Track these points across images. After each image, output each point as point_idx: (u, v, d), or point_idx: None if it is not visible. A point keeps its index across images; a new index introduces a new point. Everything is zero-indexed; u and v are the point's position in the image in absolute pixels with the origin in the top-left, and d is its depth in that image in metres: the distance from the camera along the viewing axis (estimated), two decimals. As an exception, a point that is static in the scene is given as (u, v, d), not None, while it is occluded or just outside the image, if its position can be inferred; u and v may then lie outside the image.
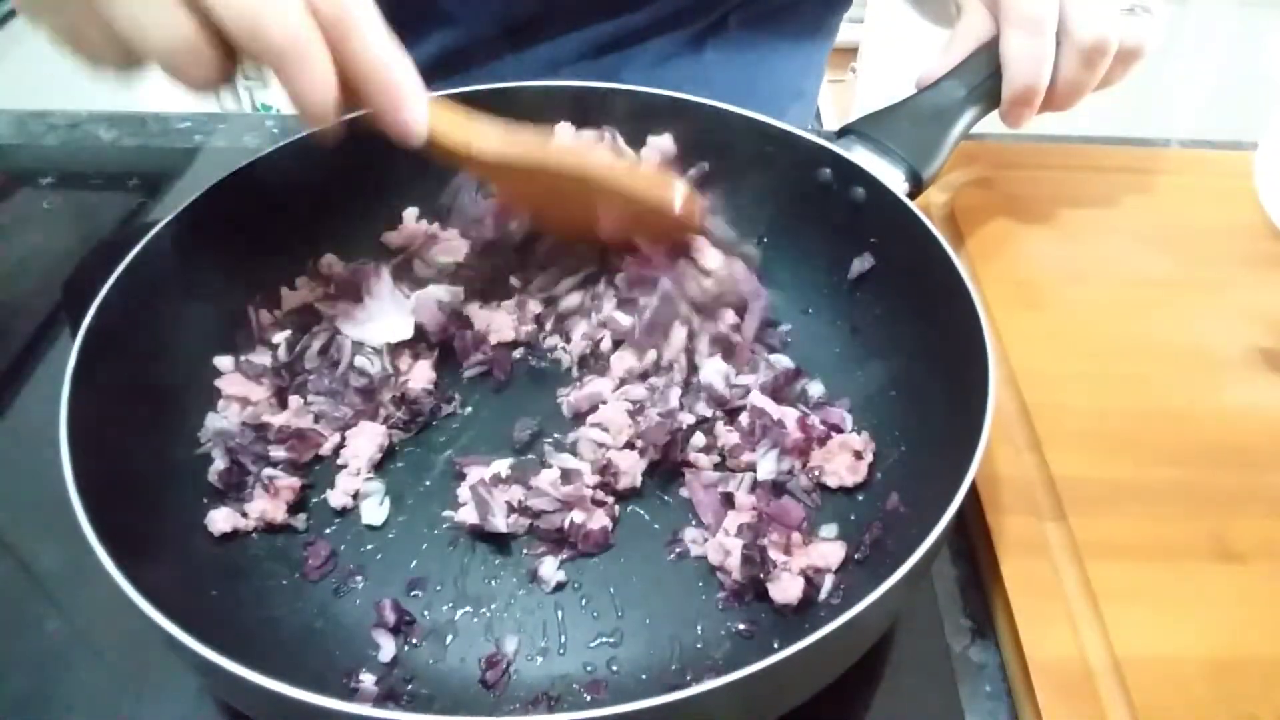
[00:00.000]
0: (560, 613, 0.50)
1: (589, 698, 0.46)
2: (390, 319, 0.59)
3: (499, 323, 0.61)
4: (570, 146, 0.59)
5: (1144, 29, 0.62)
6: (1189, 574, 0.50)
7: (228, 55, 0.41)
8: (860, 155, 0.60)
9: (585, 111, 0.64)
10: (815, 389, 0.59)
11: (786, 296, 0.64)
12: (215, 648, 0.36)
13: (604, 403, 0.57)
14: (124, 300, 0.49)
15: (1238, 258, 0.70)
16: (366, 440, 0.55)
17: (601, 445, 0.55)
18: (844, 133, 0.62)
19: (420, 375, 0.59)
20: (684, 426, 0.55)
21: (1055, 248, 0.70)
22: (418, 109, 0.46)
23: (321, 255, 0.62)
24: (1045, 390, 0.59)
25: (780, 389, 0.58)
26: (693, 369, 0.59)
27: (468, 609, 0.50)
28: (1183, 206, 0.74)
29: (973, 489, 0.42)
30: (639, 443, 0.54)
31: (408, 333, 0.59)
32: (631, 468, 0.54)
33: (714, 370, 0.58)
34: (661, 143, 0.61)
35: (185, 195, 0.55)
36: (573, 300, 0.62)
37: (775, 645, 0.47)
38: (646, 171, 0.60)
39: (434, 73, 0.82)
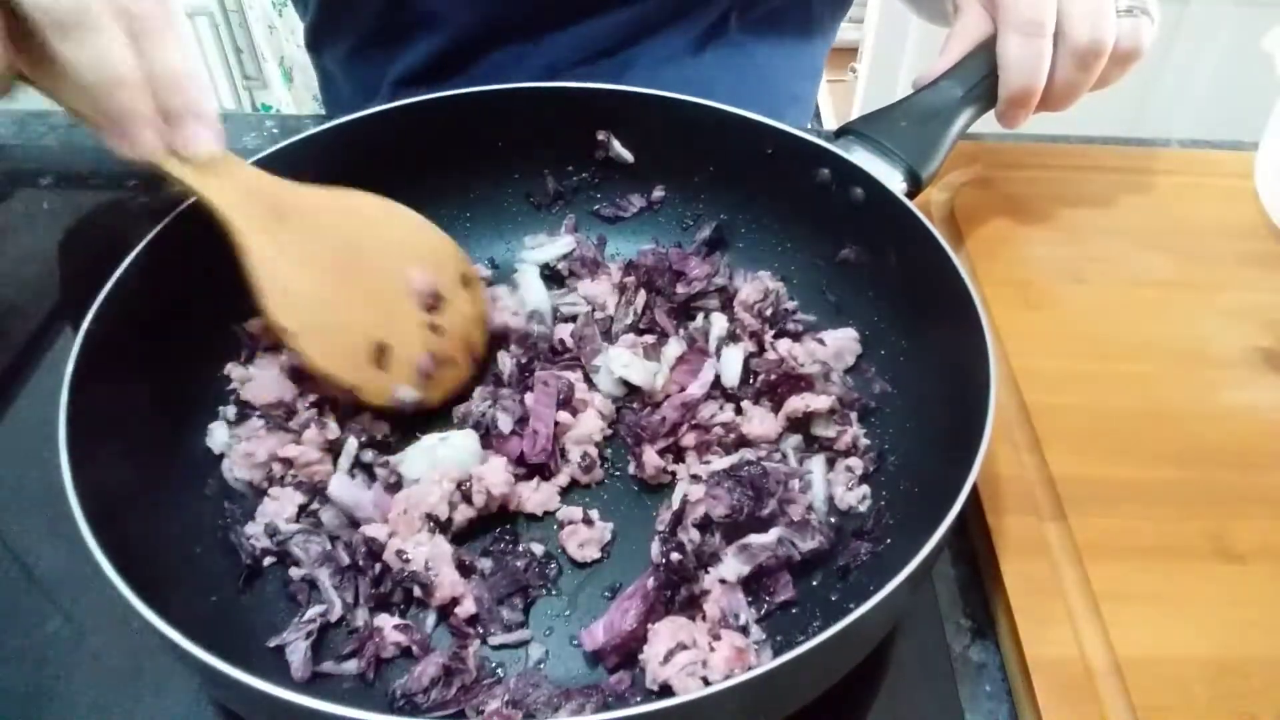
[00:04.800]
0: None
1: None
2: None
3: None
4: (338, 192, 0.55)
5: (1141, 30, 0.62)
6: (1189, 574, 0.50)
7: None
8: (859, 155, 0.59)
9: (584, 112, 0.64)
10: None
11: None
12: (213, 652, 0.36)
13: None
14: (124, 300, 0.49)
15: (1238, 258, 0.70)
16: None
17: None
18: (842, 133, 0.62)
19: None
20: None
21: (1055, 248, 0.70)
22: (209, 125, 0.48)
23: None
24: (1045, 390, 0.59)
25: None
26: None
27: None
28: (1183, 206, 0.74)
29: (973, 489, 0.41)
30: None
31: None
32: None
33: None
34: None
35: (185, 195, 0.54)
36: None
37: (779, 645, 0.47)
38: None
39: (428, 76, 0.82)
